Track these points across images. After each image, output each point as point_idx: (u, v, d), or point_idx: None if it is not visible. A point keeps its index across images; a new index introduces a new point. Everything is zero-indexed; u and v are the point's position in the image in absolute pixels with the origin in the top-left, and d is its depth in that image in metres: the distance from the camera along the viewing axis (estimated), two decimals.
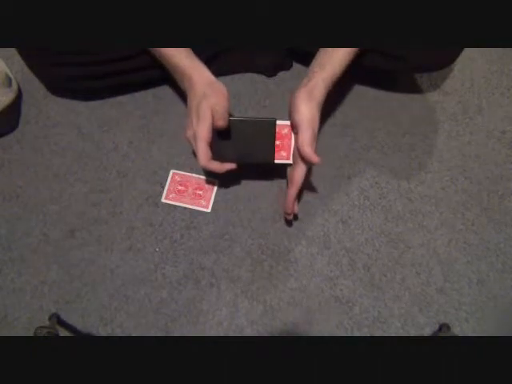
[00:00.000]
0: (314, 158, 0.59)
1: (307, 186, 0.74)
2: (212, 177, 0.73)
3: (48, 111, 0.79)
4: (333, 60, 0.61)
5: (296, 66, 0.83)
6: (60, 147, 0.77)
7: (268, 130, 0.63)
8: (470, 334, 0.66)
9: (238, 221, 0.72)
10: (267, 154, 0.64)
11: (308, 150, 0.59)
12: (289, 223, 0.71)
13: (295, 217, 0.71)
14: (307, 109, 0.60)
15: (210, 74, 0.62)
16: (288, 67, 0.83)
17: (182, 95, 0.80)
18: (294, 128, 0.62)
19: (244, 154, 0.64)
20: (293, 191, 0.64)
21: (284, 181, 0.71)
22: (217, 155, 0.62)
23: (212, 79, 0.61)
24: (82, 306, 0.67)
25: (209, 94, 0.59)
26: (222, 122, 0.59)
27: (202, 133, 0.59)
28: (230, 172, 0.64)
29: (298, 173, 0.63)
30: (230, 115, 0.62)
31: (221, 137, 0.62)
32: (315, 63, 0.63)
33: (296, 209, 0.67)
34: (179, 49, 0.62)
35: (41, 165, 0.75)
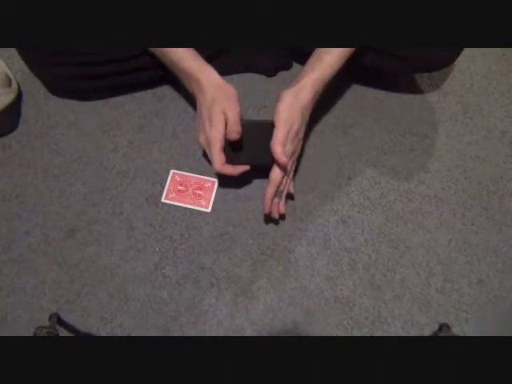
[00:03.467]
0: (281, 158, 0.59)
1: (307, 185, 0.74)
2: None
3: (48, 111, 0.79)
4: (323, 63, 0.61)
5: (296, 66, 0.83)
6: (60, 147, 0.77)
7: (266, 133, 0.62)
8: (470, 334, 0.66)
9: (238, 221, 0.72)
10: (265, 156, 0.63)
11: (277, 150, 0.59)
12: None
13: (282, 217, 0.70)
14: (286, 109, 0.60)
15: (218, 76, 0.62)
16: (288, 67, 0.83)
17: (183, 95, 0.80)
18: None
19: (256, 157, 0.65)
20: (270, 190, 0.64)
21: None
22: (229, 158, 0.62)
23: (221, 81, 0.61)
24: (82, 305, 0.67)
25: (219, 98, 0.59)
26: (235, 135, 0.60)
27: (215, 138, 0.59)
28: (244, 174, 0.64)
29: (275, 171, 0.63)
30: (241, 118, 0.62)
31: (233, 140, 0.62)
32: (306, 65, 0.63)
33: (282, 209, 0.67)
34: (185, 52, 0.61)
35: (41, 165, 0.75)
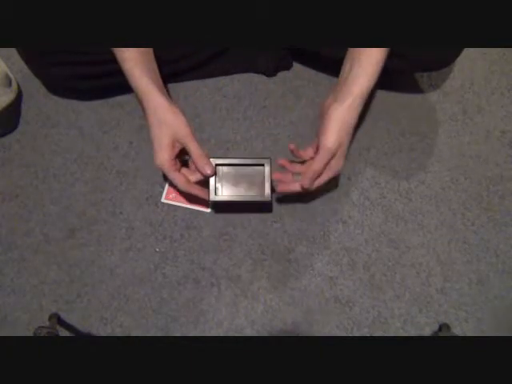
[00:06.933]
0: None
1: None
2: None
3: (48, 111, 0.79)
4: (365, 76, 0.59)
5: (296, 66, 0.83)
6: (60, 147, 0.77)
7: (262, 169, 0.62)
8: (470, 334, 0.66)
9: (238, 221, 0.72)
10: (263, 192, 0.63)
11: (305, 182, 0.60)
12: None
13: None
14: (335, 134, 0.59)
15: (164, 100, 0.60)
16: (288, 67, 0.82)
17: (182, 95, 0.80)
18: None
19: (240, 193, 0.63)
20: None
21: None
22: (213, 194, 0.62)
23: (167, 106, 0.60)
24: (82, 305, 0.67)
25: (166, 123, 0.59)
26: (208, 171, 0.60)
27: (166, 163, 0.60)
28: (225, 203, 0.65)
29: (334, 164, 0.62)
30: (220, 157, 0.63)
31: (216, 177, 0.62)
32: (348, 80, 0.60)
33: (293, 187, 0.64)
34: (142, 68, 0.60)
35: (41, 165, 0.75)
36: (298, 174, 0.64)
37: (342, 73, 0.62)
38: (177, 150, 0.61)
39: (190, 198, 0.72)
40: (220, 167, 0.62)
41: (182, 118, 0.60)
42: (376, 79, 0.59)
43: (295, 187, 0.63)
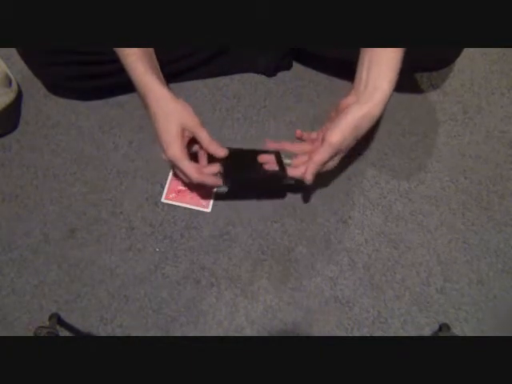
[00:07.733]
0: (307, 177, 0.59)
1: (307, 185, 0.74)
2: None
3: (48, 111, 0.79)
4: (386, 78, 0.56)
5: (296, 66, 0.83)
6: (60, 147, 0.77)
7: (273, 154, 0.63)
8: (470, 334, 0.66)
9: (238, 221, 0.72)
10: (276, 166, 0.62)
11: (310, 168, 0.58)
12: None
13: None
14: (343, 133, 0.56)
15: (168, 92, 0.60)
16: (288, 67, 0.83)
17: (182, 95, 0.80)
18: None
19: (255, 171, 0.62)
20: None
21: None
22: (226, 179, 0.61)
23: (171, 97, 0.60)
24: (82, 305, 0.67)
25: (172, 113, 0.59)
26: (221, 153, 0.60)
27: (179, 154, 0.59)
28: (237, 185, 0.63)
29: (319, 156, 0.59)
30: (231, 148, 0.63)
31: (227, 162, 0.62)
32: (368, 82, 0.57)
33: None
34: (144, 63, 0.60)
35: (41, 165, 0.75)
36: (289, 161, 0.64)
37: (359, 74, 0.58)
38: (187, 139, 0.60)
39: (190, 198, 0.72)
40: (232, 152, 0.62)
41: (188, 108, 0.60)
42: (395, 84, 0.57)
43: (295, 173, 0.62)
